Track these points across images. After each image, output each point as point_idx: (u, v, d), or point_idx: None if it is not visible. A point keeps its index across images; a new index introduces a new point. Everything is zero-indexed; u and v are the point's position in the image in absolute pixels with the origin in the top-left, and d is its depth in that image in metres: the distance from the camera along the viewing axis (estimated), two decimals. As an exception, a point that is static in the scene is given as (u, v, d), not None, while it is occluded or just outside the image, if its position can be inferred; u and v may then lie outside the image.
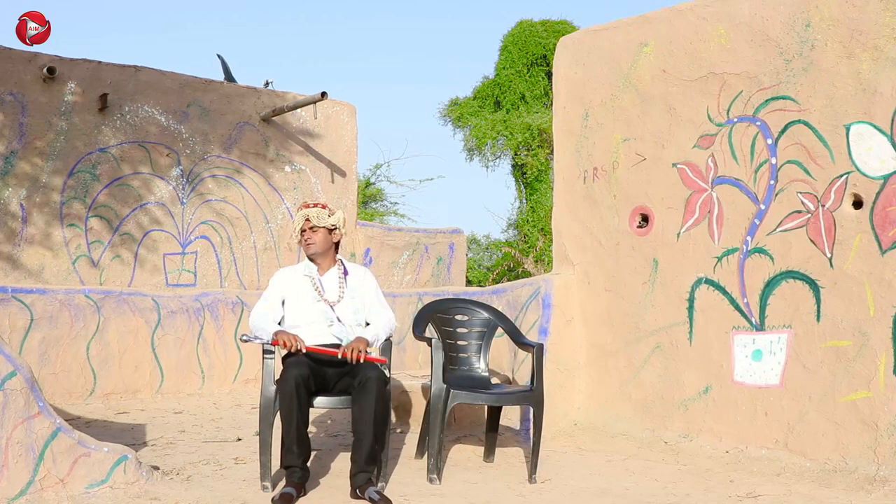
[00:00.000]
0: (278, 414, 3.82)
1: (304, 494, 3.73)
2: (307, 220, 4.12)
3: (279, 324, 4.10)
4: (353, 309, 4.13)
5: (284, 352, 3.93)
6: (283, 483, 3.75)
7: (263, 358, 4.00)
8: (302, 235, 4.17)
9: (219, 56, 9.36)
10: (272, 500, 3.58)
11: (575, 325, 5.42)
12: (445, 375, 4.20)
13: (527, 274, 15.72)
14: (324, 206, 4.17)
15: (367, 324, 4.20)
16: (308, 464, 3.85)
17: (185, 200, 8.00)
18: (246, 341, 3.90)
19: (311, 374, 3.79)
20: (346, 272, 4.22)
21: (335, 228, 4.18)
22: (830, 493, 3.88)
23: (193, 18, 46.74)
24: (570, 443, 5.04)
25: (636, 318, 5.10)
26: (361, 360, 3.84)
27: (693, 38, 4.85)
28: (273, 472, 3.90)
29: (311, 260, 4.21)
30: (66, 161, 7.34)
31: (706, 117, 4.80)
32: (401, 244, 9.85)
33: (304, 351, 3.81)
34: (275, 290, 4.15)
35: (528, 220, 18.42)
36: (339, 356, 3.85)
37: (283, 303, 4.14)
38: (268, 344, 3.93)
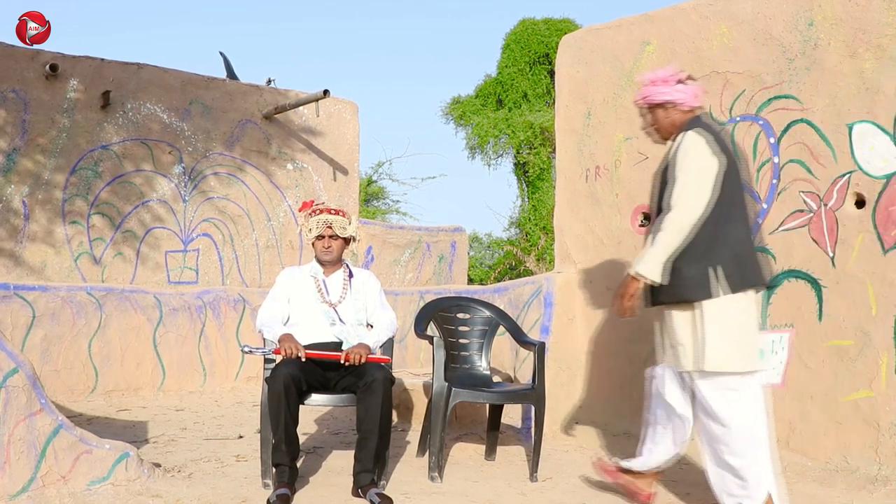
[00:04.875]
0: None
1: (295, 493, 3.73)
2: (329, 227, 4.13)
3: (285, 323, 4.11)
4: (354, 309, 4.14)
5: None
6: (274, 483, 3.74)
7: (265, 361, 4.01)
8: (319, 240, 4.16)
9: (221, 54, 9.38)
10: (268, 501, 3.58)
11: (576, 324, 5.42)
12: (447, 374, 4.20)
13: (528, 272, 15.72)
14: (344, 214, 4.18)
15: (370, 325, 4.20)
16: (297, 463, 3.86)
17: (187, 198, 8.01)
18: (248, 353, 3.90)
19: (304, 372, 3.79)
20: (350, 275, 4.23)
21: (353, 238, 4.20)
22: (832, 493, 3.88)
23: (196, 16, 46.75)
24: (572, 442, 5.04)
25: (638, 317, 5.08)
26: (363, 362, 3.86)
27: (696, 36, 4.85)
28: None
29: (319, 262, 4.22)
30: (69, 158, 7.35)
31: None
32: (402, 242, 9.86)
33: (304, 359, 3.81)
34: (281, 288, 4.16)
35: (529, 219, 18.43)
36: (342, 361, 3.85)
37: (289, 301, 4.15)
38: (269, 354, 3.94)
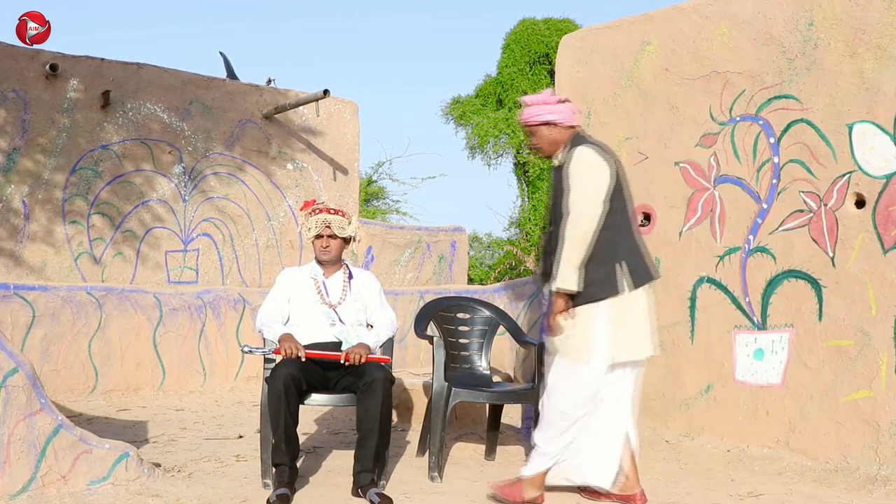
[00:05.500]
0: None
1: (295, 493, 3.73)
2: (327, 226, 4.13)
3: (285, 323, 4.11)
4: (354, 309, 4.13)
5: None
6: (274, 483, 3.74)
7: (265, 361, 4.01)
8: (317, 239, 4.16)
9: (221, 53, 9.37)
10: (268, 501, 3.58)
11: (576, 324, 5.41)
12: (447, 374, 4.20)
13: (528, 272, 15.72)
14: (343, 214, 4.18)
15: (370, 325, 4.20)
16: (297, 463, 3.86)
17: (187, 198, 8.01)
18: (248, 352, 3.90)
19: (304, 372, 3.79)
20: (350, 276, 4.23)
21: (352, 239, 4.20)
22: (832, 493, 3.88)
23: (196, 16, 46.78)
24: (572, 441, 5.03)
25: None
26: (363, 362, 3.86)
27: (696, 36, 4.85)
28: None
29: (319, 262, 4.22)
30: (69, 158, 7.34)
31: (709, 116, 4.80)
32: (402, 242, 9.86)
33: (303, 359, 3.80)
34: (281, 289, 4.16)
35: (529, 219, 18.42)
36: (342, 361, 3.85)
37: (289, 301, 4.15)
38: (269, 354, 3.94)
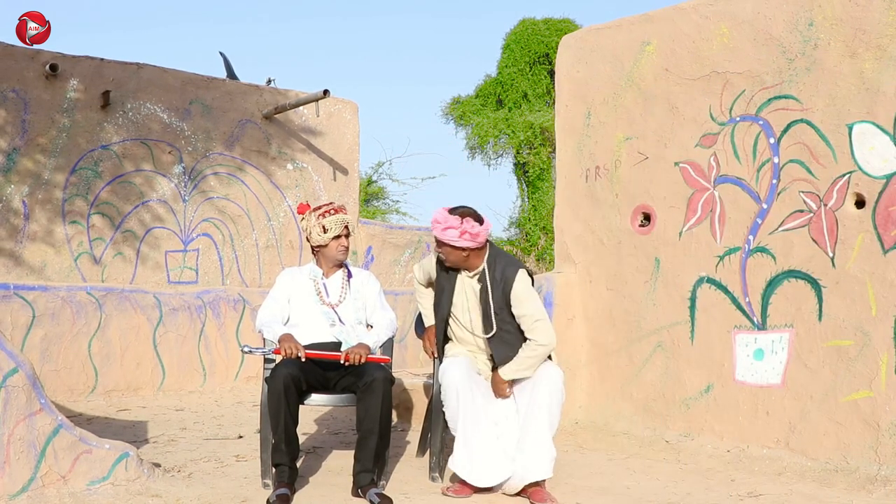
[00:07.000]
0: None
1: (294, 493, 3.72)
2: (345, 226, 4.15)
3: (285, 323, 4.11)
4: (354, 309, 4.14)
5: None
6: (274, 483, 3.74)
7: (265, 361, 4.01)
8: (336, 240, 4.15)
9: (221, 53, 9.37)
10: (268, 501, 3.58)
11: (577, 324, 5.42)
12: (447, 374, 4.20)
13: (528, 272, 15.69)
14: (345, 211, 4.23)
15: (370, 325, 4.20)
16: (297, 463, 3.86)
17: (187, 198, 8.01)
18: (248, 353, 3.90)
19: (304, 372, 3.79)
20: (350, 276, 4.23)
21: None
22: (831, 493, 3.88)
23: (196, 16, 46.80)
24: (572, 441, 5.04)
25: (638, 317, 5.10)
26: (363, 362, 3.86)
27: (696, 36, 4.85)
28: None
29: (318, 263, 4.22)
30: (69, 158, 7.34)
31: (708, 116, 4.80)
32: (402, 242, 9.86)
33: (304, 359, 3.80)
34: (281, 289, 4.16)
35: (529, 219, 18.42)
36: (342, 361, 3.85)
37: (289, 301, 4.15)
38: (269, 354, 3.93)
